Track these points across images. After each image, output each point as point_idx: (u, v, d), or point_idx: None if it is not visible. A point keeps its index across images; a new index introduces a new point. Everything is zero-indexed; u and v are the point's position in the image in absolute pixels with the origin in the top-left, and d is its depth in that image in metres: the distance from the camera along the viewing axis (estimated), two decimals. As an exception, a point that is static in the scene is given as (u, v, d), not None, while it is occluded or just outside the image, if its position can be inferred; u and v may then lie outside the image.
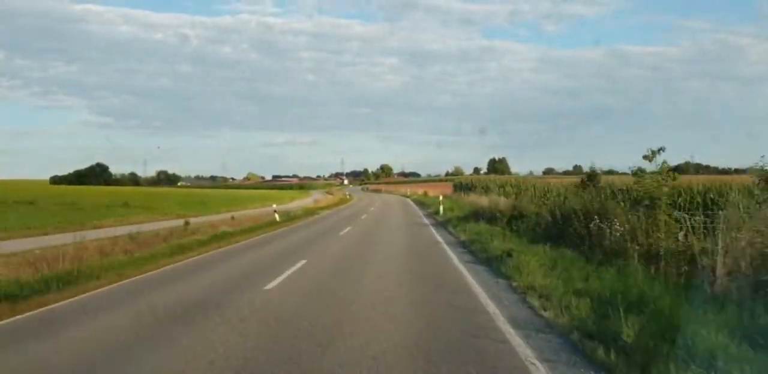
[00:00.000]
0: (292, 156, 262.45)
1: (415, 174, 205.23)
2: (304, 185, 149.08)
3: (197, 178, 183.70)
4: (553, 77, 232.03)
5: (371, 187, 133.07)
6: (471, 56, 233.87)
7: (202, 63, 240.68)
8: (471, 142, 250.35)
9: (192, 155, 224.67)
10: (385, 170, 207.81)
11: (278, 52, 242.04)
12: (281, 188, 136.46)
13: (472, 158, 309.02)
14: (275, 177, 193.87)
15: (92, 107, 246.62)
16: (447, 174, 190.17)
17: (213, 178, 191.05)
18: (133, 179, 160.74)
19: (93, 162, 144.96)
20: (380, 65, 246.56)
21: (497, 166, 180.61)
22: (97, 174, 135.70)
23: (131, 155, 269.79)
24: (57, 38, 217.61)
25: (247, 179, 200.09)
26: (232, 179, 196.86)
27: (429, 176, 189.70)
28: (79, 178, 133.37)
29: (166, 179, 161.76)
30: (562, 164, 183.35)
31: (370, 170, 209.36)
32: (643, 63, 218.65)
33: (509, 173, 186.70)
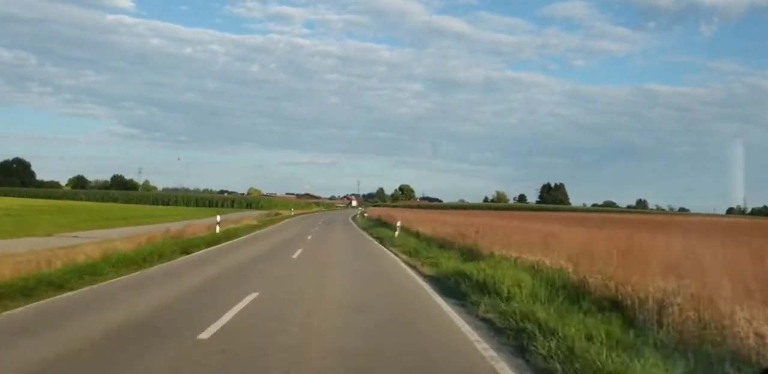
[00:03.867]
0: (312, 176, 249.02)
1: (436, 200, 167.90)
2: (269, 201, 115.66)
3: (173, 189, 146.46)
4: (579, 112, 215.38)
5: (373, 211, 72.78)
6: (496, 86, 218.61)
7: (229, 80, 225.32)
8: (491, 172, 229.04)
9: (213, 170, 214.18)
10: (405, 192, 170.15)
11: (305, 74, 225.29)
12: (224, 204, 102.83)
13: (491, 188, 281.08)
14: (287, 194, 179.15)
15: (120, 117, 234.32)
16: (486, 201, 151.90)
17: (200, 191, 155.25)
18: (79, 183, 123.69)
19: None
20: (404, 91, 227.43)
21: (554, 194, 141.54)
22: (12, 172, 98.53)
23: (153, 167, 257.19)
24: (88, 47, 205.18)
25: (249, 193, 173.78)
26: (242, 193, 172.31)
27: (462, 201, 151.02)
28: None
29: (121, 186, 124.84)
30: (591, 200, 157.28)
31: (386, 191, 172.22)
32: (670, 103, 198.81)
33: (568, 203, 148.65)
